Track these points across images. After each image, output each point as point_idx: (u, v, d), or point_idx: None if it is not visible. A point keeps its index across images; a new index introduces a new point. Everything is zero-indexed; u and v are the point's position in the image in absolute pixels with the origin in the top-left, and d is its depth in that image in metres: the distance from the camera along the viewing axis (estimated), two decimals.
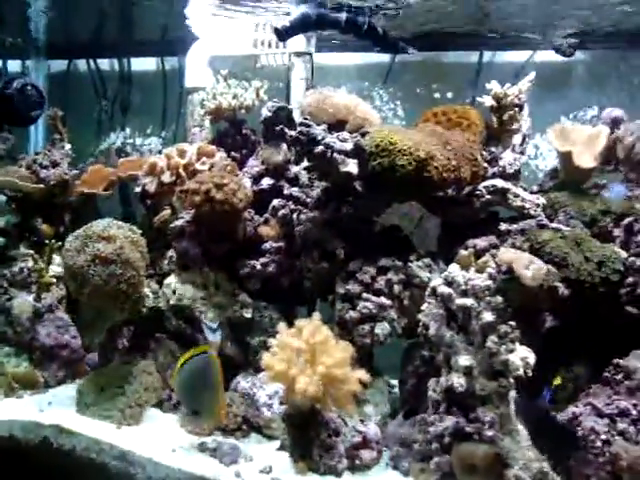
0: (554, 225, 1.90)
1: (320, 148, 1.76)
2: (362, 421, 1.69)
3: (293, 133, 1.77)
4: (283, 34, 1.94)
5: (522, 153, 2.02)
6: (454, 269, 1.60)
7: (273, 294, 1.87)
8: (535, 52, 2.30)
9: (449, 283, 1.60)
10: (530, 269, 1.50)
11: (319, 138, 1.76)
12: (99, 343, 1.98)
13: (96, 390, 1.83)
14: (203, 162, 1.95)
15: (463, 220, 1.95)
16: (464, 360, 1.55)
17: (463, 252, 1.68)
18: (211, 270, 1.85)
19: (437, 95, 2.25)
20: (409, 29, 2.24)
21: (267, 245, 1.86)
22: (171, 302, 1.86)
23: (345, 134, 1.80)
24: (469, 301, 1.54)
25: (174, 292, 1.86)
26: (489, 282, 1.57)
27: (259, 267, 1.83)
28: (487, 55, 2.37)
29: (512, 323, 1.57)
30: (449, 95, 2.16)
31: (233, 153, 2.03)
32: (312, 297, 1.85)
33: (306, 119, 1.79)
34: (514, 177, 2.02)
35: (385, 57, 2.37)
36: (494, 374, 1.54)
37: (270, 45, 2.21)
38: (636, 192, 1.99)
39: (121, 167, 2.12)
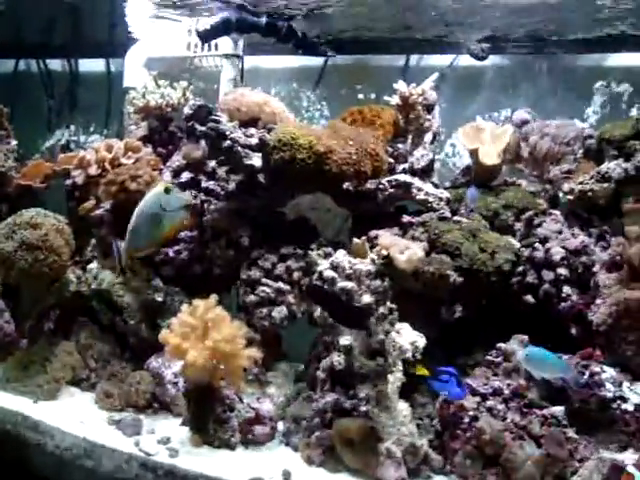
0: (456, 218, 2.00)
1: (227, 142, 1.89)
2: (258, 399, 1.79)
3: (203, 129, 1.90)
4: (204, 37, 2.07)
5: (432, 150, 2.12)
6: (340, 255, 1.71)
7: (186, 280, 1.99)
8: (457, 56, 2.41)
9: (334, 268, 1.70)
10: (405, 253, 1.59)
11: (227, 133, 1.89)
12: (28, 326, 2.09)
13: (19, 368, 1.95)
14: (129, 156, 2.08)
15: (372, 213, 2.06)
16: (344, 340, 1.64)
17: (356, 241, 1.79)
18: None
19: (361, 96, 2.37)
20: (336, 33, 2.36)
21: (182, 234, 1.98)
22: (92, 287, 1.99)
23: (252, 130, 1.92)
24: (349, 284, 1.64)
25: (95, 277, 1.99)
26: (371, 267, 1.67)
27: (172, 254, 1.96)
28: (414, 59, 2.49)
29: (392, 306, 1.67)
30: (372, 96, 2.27)
31: (160, 149, 2.16)
32: (222, 283, 1.96)
33: (216, 116, 1.92)
34: (424, 173, 2.12)
35: (317, 60, 2.49)
36: (372, 354, 1.65)
37: (203, 48, 2.34)
38: (538, 188, 2.10)
39: (59, 162, 2.26)
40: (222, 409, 1.73)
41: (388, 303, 1.65)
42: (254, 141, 1.87)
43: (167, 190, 1.77)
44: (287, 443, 1.75)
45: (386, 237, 1.67)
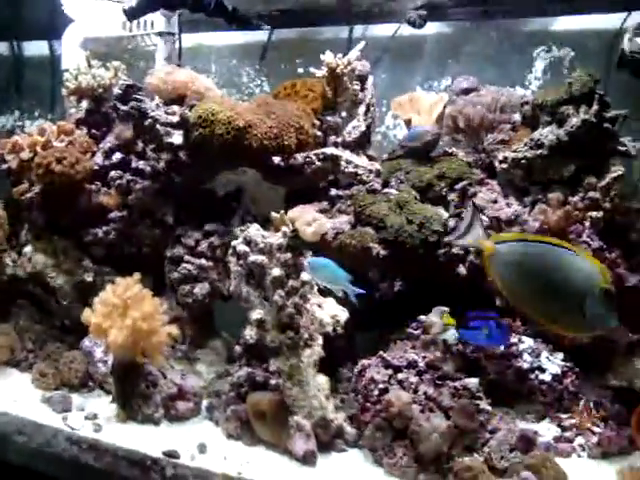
0: (385, 190, 1.97)
1: (148, 121, 1.88)
2: (182, 375, 1.81)
3: (125, 108, 1.89)
4: (129, 14, 2.05)
5: (365, 122, 2.08)
6: (253, 229, 1.70)
7: (117, 260, 2.00)
8: (400, 26, 2.34)
9: (248, 242, 1.70)
10: (312, 226, 1.58)
11: (148, 112, 1.88)
12: None
13: None
14: (61, 139, 2.08)
15: (303, 188, 2.04)
16: (256, 314, 1.64)
17: (274, 215, 1.77)
18: (59, 238, 2.00)
19: (301, 70, 2.33)
20: (275, 5, 2.31)
21: (112, 214, 1.99)
22: (27, 270, 2.01)
23: (175, 107, 1.91)
24: (260, 258, 1.64)
25: (29, 260, 2.01)
26: (282, 240, 1.66)
27: (101, 235, 1.97)
28: (359, 30, 2.43)
29: (305, 279, 1.66)
30: (312, 69, 2.22)
31: (94, 131, 2.16)
32: (151, 261, 1.97)
33: (139, 95, 1.91)
34: (358, 145, 2.09)
35: (260, 36, 2.45)
36: (283, 327, 1.64)
37: (138, 27, 2.32)
38: (472, 158, 2.04)
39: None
40: (145, 385, 1.76)
41: (302, 276, 1.64)
42: (175, 119, 1.86)
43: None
44: (210, 418, 1.77)
45: (295, 210, 1.66)
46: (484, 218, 1.79)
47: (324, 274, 1.47)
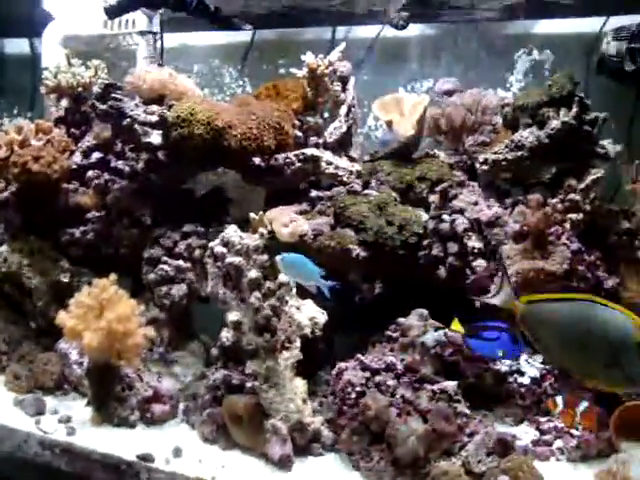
0: (366, 191, 1.96)
1: (127, 121, 1.86)
2: (159, 378, 1.78)
3: (104, 107, 1.87)
4: (110, 13, 2.03)
5: (347, 123, 2.07)
6: (230, 231, 1.68)
7: (95, 261, 1.98)
8: (384, 27, 2.34)
9: (225, 243, 1.68)
10: (289, 227, 1.56)
11: (126, 111, 1.86)
12: None
13: None
14: (39, 138, 2.05)
15: (283, 189, 2.02)
16: (233, 316, 1.62)
17: (253, 216, 1.75)
18: (36, 239, 1.97)
19: (282, 71, 2.32)
20: (260, 6, 2.30)
21: (90, 215, 1.97)
22: (2, 270, 1.98)
23: (154, 107, 1.88)
24: (237, 259, 1.62)
25: (5, 260, 1.98)
26: (259, 242, 1.64)
27: (78, 235, 1.94)
28: (342, 31, 2.42)
29: (282, 280, 1.64)
30: (293, 70, 2.21)
31: (73, 130, 2.13)
32: (129, 262, 1.95)
33: (118, 94, 1.89)
34: (341, 146, 2.08)
35: (243, 37, 2.44)
36: (260, 329, 1.62)
37: (120, 25, 2.30)
38: (454, 159, 2.04)
39: None
40: (121, 388, 1.73)
41: (280, 278, 1.62)
42: (154, 118, 1.84)
43: None
44: (186, 421, 1.75)
45: (273, 211, 1.64)
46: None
47: (296, 270, 1.45)
